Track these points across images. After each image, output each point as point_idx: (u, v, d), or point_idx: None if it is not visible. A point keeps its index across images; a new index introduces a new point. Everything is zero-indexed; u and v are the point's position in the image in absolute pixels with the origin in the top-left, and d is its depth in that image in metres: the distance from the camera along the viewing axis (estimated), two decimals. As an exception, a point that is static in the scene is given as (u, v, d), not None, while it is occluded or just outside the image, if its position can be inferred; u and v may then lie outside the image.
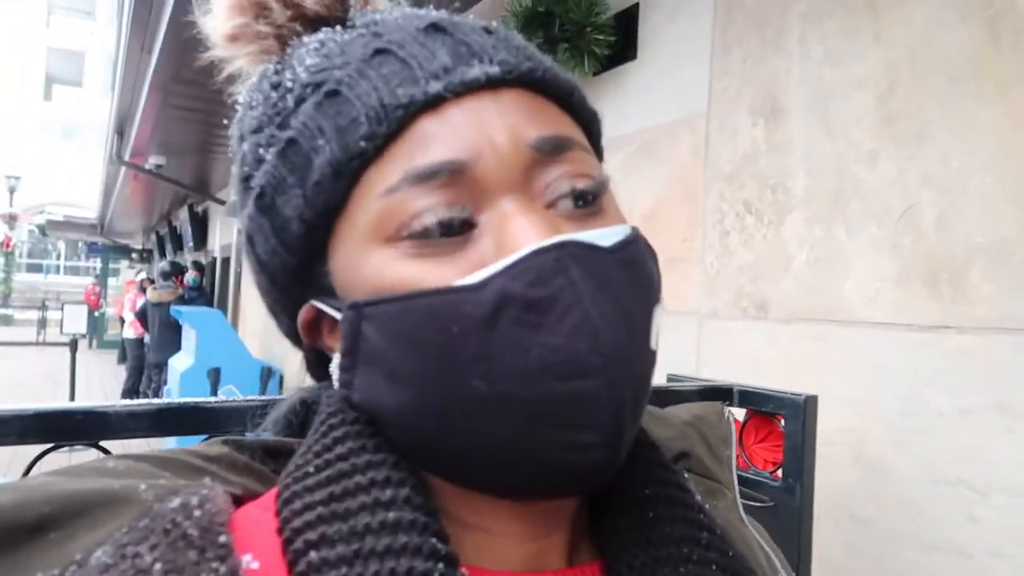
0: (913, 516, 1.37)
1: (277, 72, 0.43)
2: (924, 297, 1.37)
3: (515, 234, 0.36)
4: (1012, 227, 1.24)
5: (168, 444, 0.86)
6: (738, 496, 0.54)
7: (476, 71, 0.38)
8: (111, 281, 20.55)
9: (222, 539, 0.34)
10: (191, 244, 10.55)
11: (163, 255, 13.74)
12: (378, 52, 0.40)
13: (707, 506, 0.46)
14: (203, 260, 10.53)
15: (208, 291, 9.72)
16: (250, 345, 6.21)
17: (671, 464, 0.46)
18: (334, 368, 0.41)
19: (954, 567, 1.30)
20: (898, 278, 1.42)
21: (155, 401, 0.85)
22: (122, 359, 12.21)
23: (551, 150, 0.39)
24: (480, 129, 0.37)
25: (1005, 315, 1.24)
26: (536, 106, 0.40)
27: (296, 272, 0.42)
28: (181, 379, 5.50)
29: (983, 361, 1.27)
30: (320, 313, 0.43)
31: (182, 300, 8.89)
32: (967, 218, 1.30)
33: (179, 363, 5.87)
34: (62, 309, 9.48)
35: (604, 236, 0.38)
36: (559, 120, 0.41)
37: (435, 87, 0.37)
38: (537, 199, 0.38)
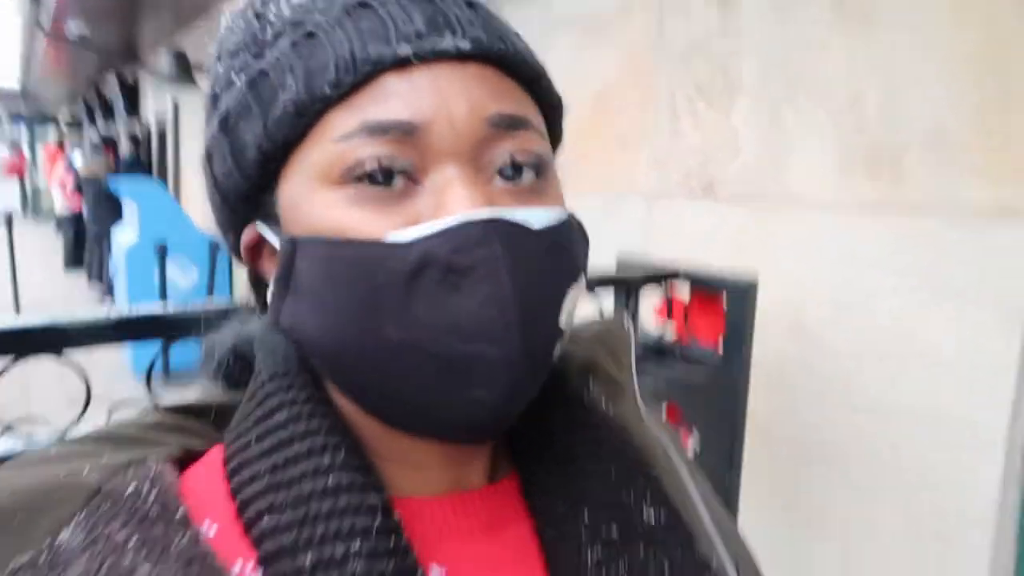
0: (843, 383, 1.48)
1: (264, 3, 0.44)
2: (864, 179, 1.42)
3: (452, 200, 0.38)
4: (950, 115, 1.27)
5: (126, 351, 0.87)
6: (638, 395, 0.58)
7: (447, 42, 0.39)
8: (38, 148, 19.56)
9: (180, 513, 0.38)
10: (123, 114, 10.00)
11: (93, 123, 13.03)
12: (360, 5, 0.40)
13: (611, 413, 0.51)
14: (137, 131, 10.04)
15: (146, 164, 9.34)
16: (195, 217, 6.06)
17: (577, 390, 0.51)
18: (269, 292, 0.44)
19: (876, 428, 1.42)
20: (841, 162, 1.46)
21: (112, 312, 0.86)
22: (59, 228, 11.85)
23: (505, 126, 0.40)
24: (440, 97, 0.39)
25: (939, 199, 1.30)
26: (500, 84, 0.41)
27: (247, 196, 0.44)
28: (127, 256, 5.37)
29: (916, 242, 1.34)
30: (262, 238, 0.45)
31: (115, 171, 8.53)
32: (909, 106, 1.33)
33: (123, 238, 5.71)
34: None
35: (535, 217, 0.40)
36: (520, 101, 0.42)
37: (404, 50, 0.39)
38: (482, 172, 0.40)
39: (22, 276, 6.93)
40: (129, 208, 5.87)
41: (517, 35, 0.45)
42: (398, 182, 0.39)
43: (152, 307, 0.88)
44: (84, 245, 9.31)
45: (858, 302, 1.44)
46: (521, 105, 0.42)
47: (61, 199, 9.93)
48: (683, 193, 1.82)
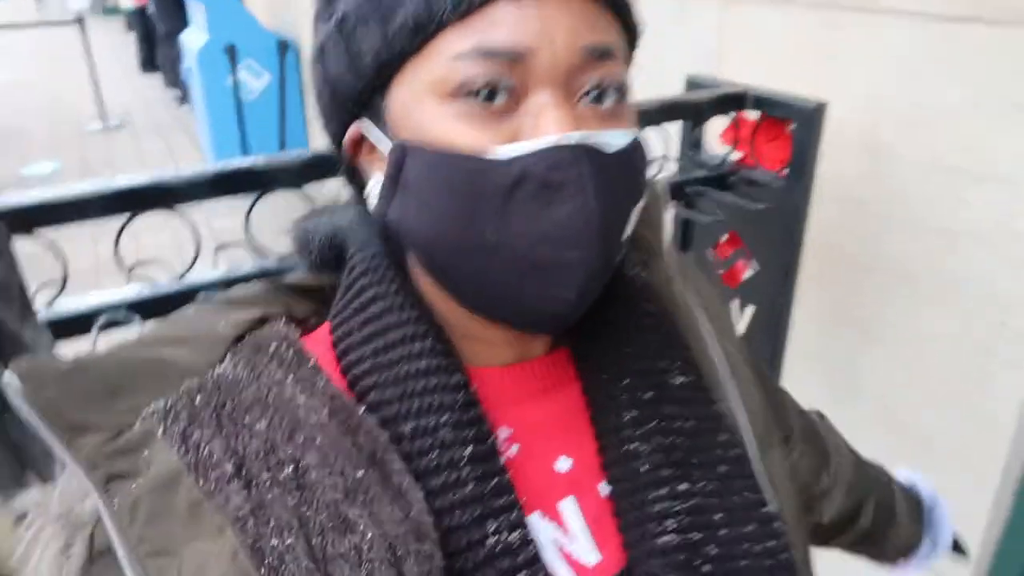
0: (910, 202, 1.48)
1: None
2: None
3: (547, 122, 0.43)
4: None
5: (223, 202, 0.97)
6: (669, 255, 0.64)
7: None
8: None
9: (312, 362, 0.49)
10: None
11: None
12: None
13: (646, 278, 0.59)
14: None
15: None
16: (258, 15, 5.97)
17: (620, 263, 0.57)
18: (371, 187, 0.51)
19: (942, 243, 1.44)
20: (933, -37, 1.34)
21: (210, 167, 0.95)
22: (130, 27, 11.82)
23: (597, 56, 0.44)
24: (544, 26, 0.43)
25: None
26: (595, 13, 0.45)
27: (358, 94, 0.49)
28: (199, 58, 5.41)
29: (1006, 55, 1.27)
30: (363, 135, 0.51)
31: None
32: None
33: (192, 40, 5.72)
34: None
35: (613, 140, 0.45)
36: (610, 29, 0.46)
37: None
38: (572, 95, 0.45)
39: (100, 80, 7.10)
40: (196, 10, 5.81)
41: None
42: (501, 100, 0.44)
43: (245, 161, 0.96)
44: (155, 45, 9.33)
45: (934, 118, 1.40)
46: (610, 33, 0.46)
47: (127, -4, 9.84)
48: (759, -3, 1.71)
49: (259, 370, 0.47)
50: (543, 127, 0.43)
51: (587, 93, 0.45)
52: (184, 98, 8.00)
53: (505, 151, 0.43)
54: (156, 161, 6.30)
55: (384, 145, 0.49)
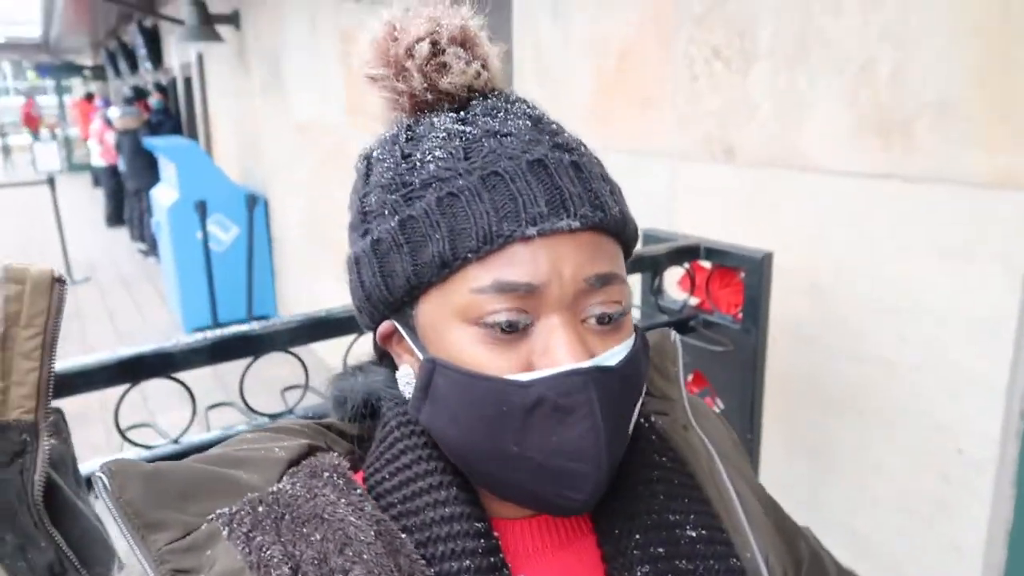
0: (852, 336, 1.59)
1: (408, 140, 0.56)
2: (875, 148, 1.49)
3: (557, 348, 0.51)
4: (958, 86, 1.33)
5: (222, 368, 1.02)
6: (686, 403, 0.71)
7: (563, 223, 0.51)
8: (65, 100, 19.74)
9: (360, 490, 0.55)
10: (147, 64, 10.04)
11: (117, 73, 13.09)
12: (494, 174, 0.52)
13: (659, 426, 0.65)
14: (162, 80, 10.11)
15: (174, 113, 9.45)
16: (228, 170, 6.21)
17: (642, 424, 0.64)
18: (403, 379, 0.59)
19: (885, 378, 1.54)
20: (853, 129, 1.53)
21: (208, 335, 1.01)
22: (96, 183, 12.09)
23: (599, 285, 0.53)
24: (554, 262, 0.51)
25: (945, 167, 1.38)
26: (597, 246, 0.53)
27: (389, 304, 0.57)
28: (169, 214, 5.57)
29: (923, 207, 1.42)
30: (395, 328, 0.59)
31: (148, 125, 8.70)
32: (919, 74, 1.39)
33: (163, 197, 5.90)
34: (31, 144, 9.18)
35: (615, 355, 0.53)
36: (611, 255, 0.55)
37: (531, 231, 0.50)
38: (578, 315, 0.53)
39: (67, 235, 7.19)
40: (167, 168, 6.03)
41: (611, 190, 0.56)
42: (518, 330, 0.52)
43: (240, 328, 1.03)
44: (122, 201, 9.55)
45: (868, 263, 1.54)
46: (611, 259, 0.54)
47: (98, 151, 10.13)
48: (705, 155, 1.90)
49: (315, 491, 0.53)
50: (554, 352, 0.51)
51: (589, 316, 0.53)
52: (149, 251, 8.12)
53: (524, 376, 0.51)
54: (123, 313, 6.31)
55: (414, 346, 0.57)
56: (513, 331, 0.51)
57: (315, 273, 5.03)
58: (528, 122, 0.56)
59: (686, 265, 1.50)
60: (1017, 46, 1.25)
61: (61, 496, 0.62)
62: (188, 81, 8.80)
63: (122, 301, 6.71)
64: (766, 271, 1.38)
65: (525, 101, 0.59)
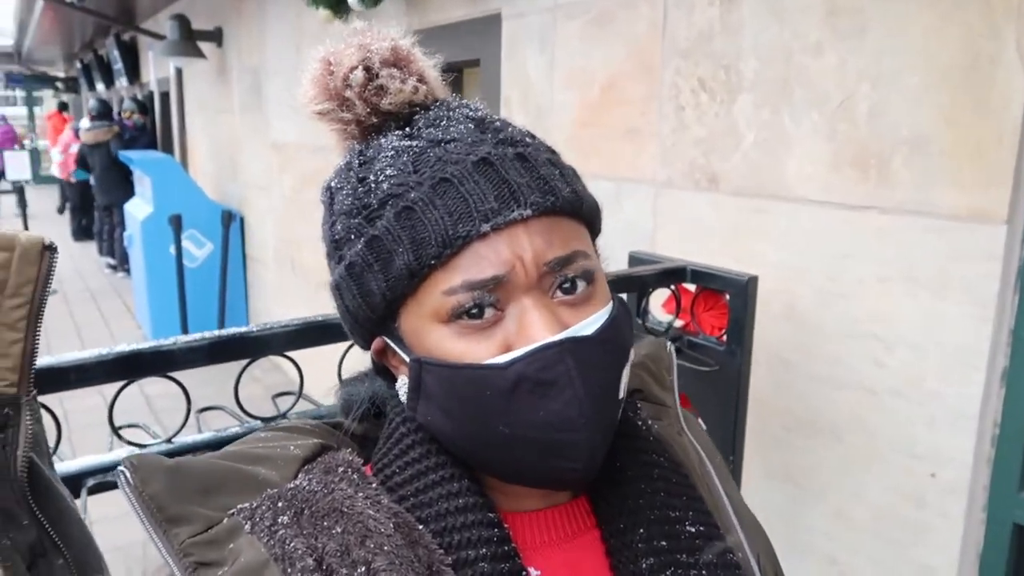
0: (832, 362, 1.63)
1: (361, 164, 0.59)
2: (853, 180, 1.55)
3: (530, 326, 0.53)
4: (931, 123, 1.40)
5: (219, 368, 1.02)
6: (679, 411, 0.74)
7: (515, 214, 0.54)
8: (36, 111, 19.49)
9: (375, 484, 0.57)
10: (124, 78, 9.96)
11: (91, 86, 12.96)
12: (443, 180, 0.55)
13: (655, 430, 0.67)
14: (138, 94, 10.03)
15: (149, 128, 9.36)
16: (204, 186, 6.17)
17: (631, 416, 0.66)
18: (401, 388, 0.61)
19: (862, 402, 1.58)
20: (832, 161, 1.58)
21: (207, 335, 1.01)
22: (64, 197, 11.89)
23: (559, 267, 0.55)
24: (514, 251, 0.54)
25: (919, 200, 1.43)
26: (554, 227, 0.56)
27: (374, 321, 0.60)
28: (142, 227, 5.52)
29: (898, 238, 1.48)
30: (387, 345, 0.61)
31: (120, 139, 8.56)
32: (895, 112, 1.46)
33: (137, 211, 5.85)
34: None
35: (590, 324, 0.55)
36: (570, 234, 0.57)
37: (485, 228, 0.53)
38: (546, 291, 0.55)
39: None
40: (142, 182, 5.98)
41: (561, 173, 0.58)
42: (489, 314, 0.54)
43: (239, 329, 1.03)
44: (90, 215, 9.39)
45: (847, 290, 1.59)
46: (570, 239, 0.56)
47: (59, 161, 9.90)
48: (688, 184, 1.95)
49: (332, 486, 0.55)
50: (528, 330, 0.53)
51: (559, 286, 0.55)
52: (118, 266, 7.99)
53: (501, 358, 0.53)
54: (90, 327, 6.20)
55: (403, 355, 0.59)
56: (482, 316, 0.53)
57: (288, 294, 4.99)
58: (471, 125, 0.58)
59: (672, 287, 1.53)
60: (985, 89, 1.31)
61: (40, 476, 0.61)
62: (165, 96, 8.75)
63: (90, 315, 6.60)
64: (751, 294, 1.42)
65: (467, 105, 0.61)
